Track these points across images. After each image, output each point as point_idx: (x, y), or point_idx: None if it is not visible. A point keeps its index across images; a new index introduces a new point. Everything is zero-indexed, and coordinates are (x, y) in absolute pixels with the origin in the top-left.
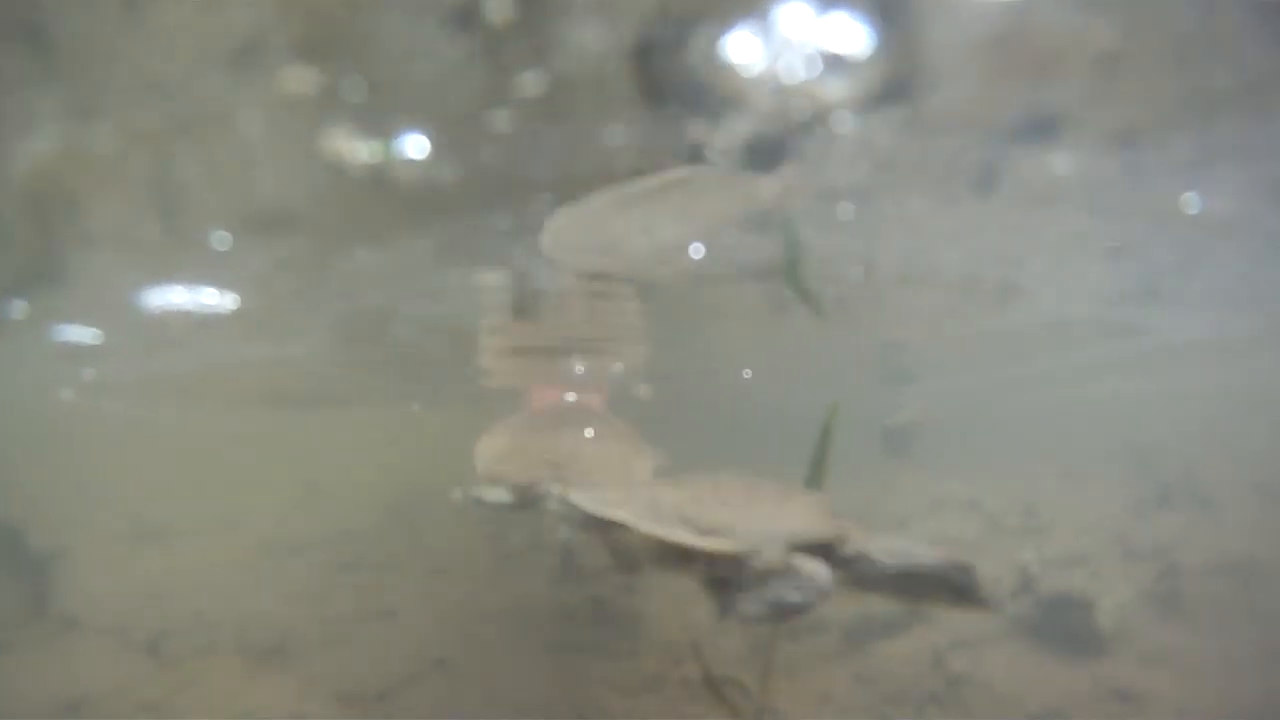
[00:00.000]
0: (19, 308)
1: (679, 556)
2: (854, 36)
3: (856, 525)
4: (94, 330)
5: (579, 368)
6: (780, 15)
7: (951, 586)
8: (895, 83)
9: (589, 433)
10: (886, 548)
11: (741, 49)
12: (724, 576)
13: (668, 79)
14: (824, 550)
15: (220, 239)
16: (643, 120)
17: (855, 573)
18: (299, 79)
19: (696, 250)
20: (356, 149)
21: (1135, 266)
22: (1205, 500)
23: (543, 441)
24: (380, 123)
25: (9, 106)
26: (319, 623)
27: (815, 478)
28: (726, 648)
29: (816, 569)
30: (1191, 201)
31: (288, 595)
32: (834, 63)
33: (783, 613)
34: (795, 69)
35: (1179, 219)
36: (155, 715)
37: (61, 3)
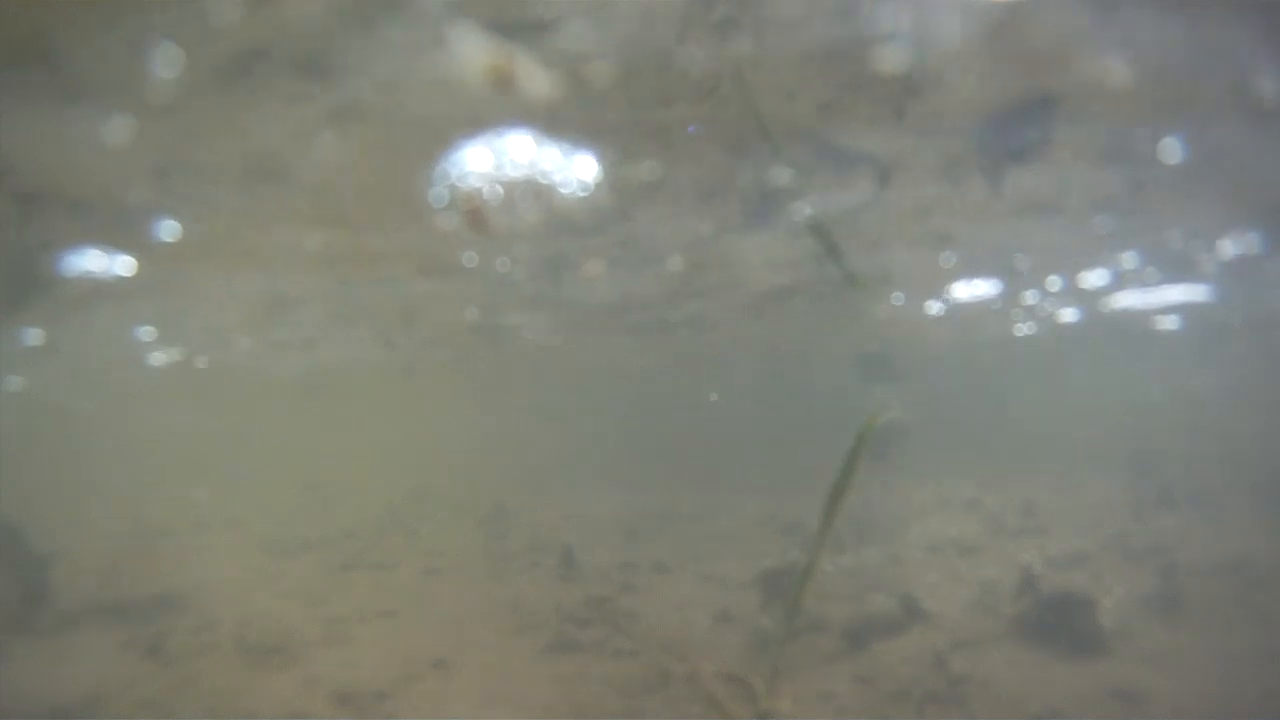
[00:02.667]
0: None
1: None
2: None
3: None
4: None
5: None
6: None
7: None
8: None
9: None
10: None
11: None
12: None
13: None
14: None
15: None
16: None
17: None
18: None
19: None
20: None
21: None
22: (1205, 500)
23: None
24: None
25: None
26: (319, 622)
27: (842, 485)
28: (728, 648)
29: None
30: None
31: (288, 595)
32: None
33: None
34: None
35: None
36: (155, 714)
37: None
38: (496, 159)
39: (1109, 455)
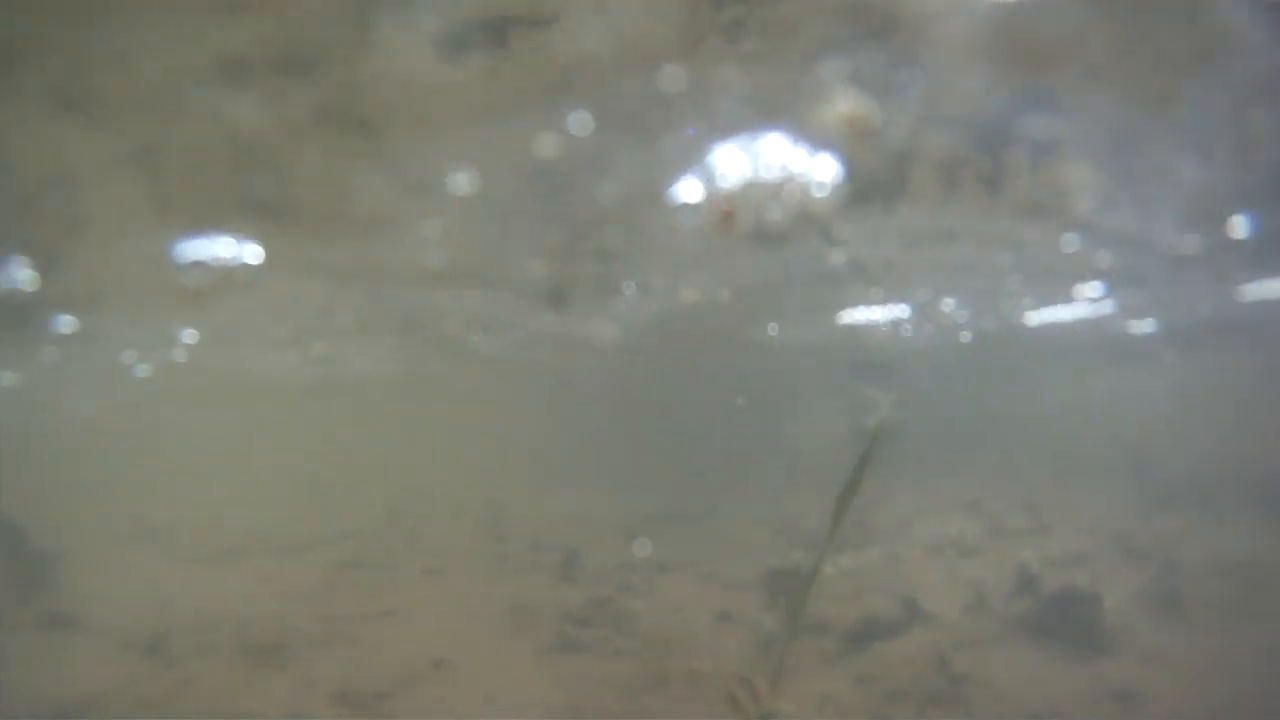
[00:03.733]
0: None
1: None
2: None
3: None
4: None
5: None
6: None
7: None
8: None
9: None
10: None
11: None
12: None
13: None
14: None
15: None
16: None
17: None
18: None
19: None
20: None
21: None
22: (1205, 500)
23: None
24: None
25: None
26: (319, 622)
27: (851, 487)
28: (729, 648)
29: None
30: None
31: (287, 595)
32: None
33: None
34: None
35: None
36: (155, 714)
37: None
38: (751, 160)
39: (1108, 456)
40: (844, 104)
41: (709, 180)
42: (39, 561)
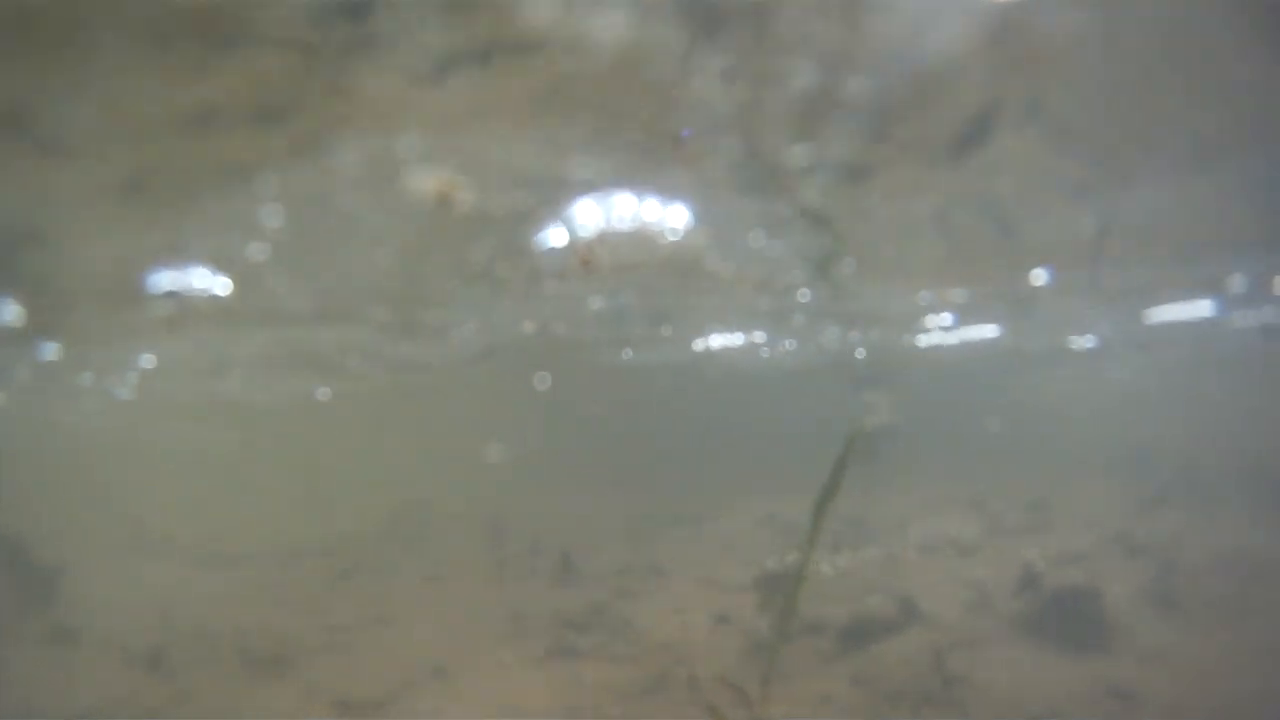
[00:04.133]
0: None
1: None
2: None
3: None
4: None
5: None
6: None
7: None
8: None
9: None
10: None
11: None
12: None
13: None
14: None
15: None
16: None
17: None
18: None
19: None
20: None
21: None
22: (1205, 498)
23: None
24: None
25: None
26: (318, 631)
27: (831, 488)
28: (726, 652)
29: None
30: None
31: (287, 603)
32: None
33: None
34: None
35: None
36: None
37: None
38: (605, 212)
39: (1106, 455)
40: (432, 180)
41: (570, 228)
42: (40, 575)
